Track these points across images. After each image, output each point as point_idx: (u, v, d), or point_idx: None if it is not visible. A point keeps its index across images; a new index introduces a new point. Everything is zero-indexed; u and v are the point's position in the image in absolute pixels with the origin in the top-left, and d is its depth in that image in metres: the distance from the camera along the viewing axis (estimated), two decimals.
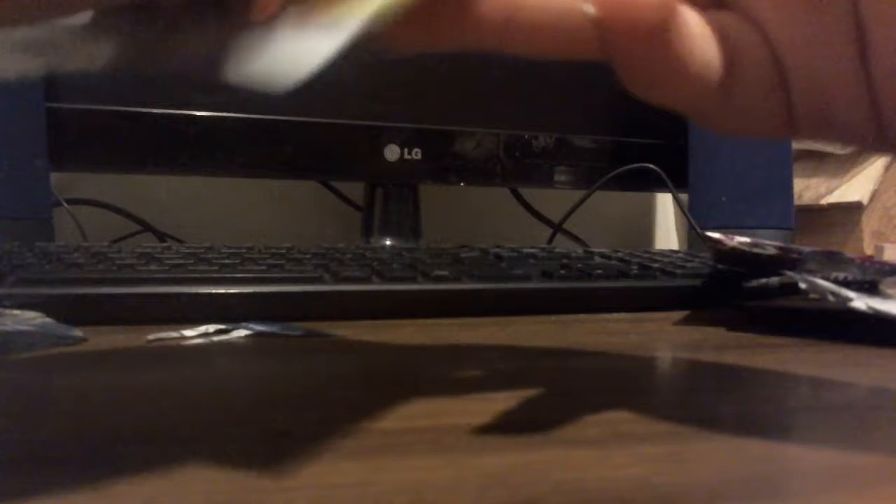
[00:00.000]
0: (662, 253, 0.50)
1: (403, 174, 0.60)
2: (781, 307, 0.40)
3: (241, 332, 0.29)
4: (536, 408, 0.20)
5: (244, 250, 0.41)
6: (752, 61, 0.17)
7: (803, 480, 0.15)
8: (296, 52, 0.15)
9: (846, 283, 0.32)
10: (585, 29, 0.17)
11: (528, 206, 0.73)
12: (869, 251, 0.68)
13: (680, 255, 0.49)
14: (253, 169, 0.57)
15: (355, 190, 0.67)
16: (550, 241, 0.69)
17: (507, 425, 0.18)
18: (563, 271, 0.39)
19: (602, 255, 0.47)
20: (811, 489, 0.15)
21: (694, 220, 0.60)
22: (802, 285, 0.32)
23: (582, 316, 0.36)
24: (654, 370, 0.26)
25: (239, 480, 0.14)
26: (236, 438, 0.17)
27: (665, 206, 0.88)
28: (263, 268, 0.35)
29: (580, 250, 0.49)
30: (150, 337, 0.28)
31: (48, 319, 0.27)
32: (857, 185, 0.69)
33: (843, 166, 0.72)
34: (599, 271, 0.39)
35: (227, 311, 0.31)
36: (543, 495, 0.14)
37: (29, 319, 0.27)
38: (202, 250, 0.41)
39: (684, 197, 0.63)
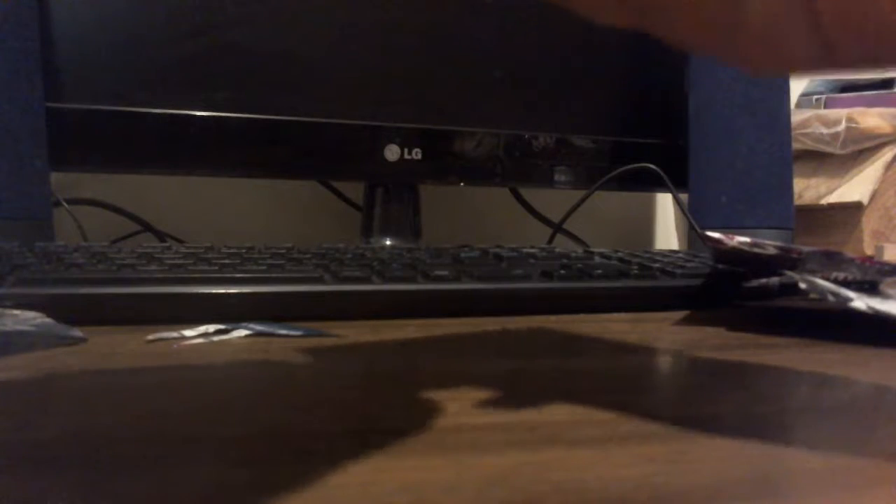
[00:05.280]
0: (662, 253, 0.50)
1: (403, 174, 0.60)
2: (781, 307, 0.40)
3: (241, 332, 0.29)
4: (536, 408, 0.20)
5: (244, 250, 0.41)
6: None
7: (803, 480, 0.15)
8: None
9: (846, 283, 0.32)
10: None
11: (528, 206, 0.73)
12: (869, 251, 0.68)
13: (680, 255, 0.49)
14: (253, 169, 0.57)
15: (355, 190, 0.67)
16: (550, 241, 0.69)
17: (507, 425, 0.18)
18: (563, 271, 0.39)
19: (602, 255, 0.47)
20: (811, 489, 0.15)
21: (694, 220, 0.60)
22: (802, 285, 0.32)
23: (582, 316, 0.36)
24: (654, 370, 0.26)
25: (240, 480, 0.14)
26: (236, 438, 0.17)
27: (665, 206, 0.88)
28: (263, 268, 0.35)
29: (580, 250, 0.49)
30: (150, 337, 0.28)
31: (48, 319, 0.27)
32: (857, 185, 0.69)
33: (844, 166, 0.72)
34: (599, 271, 0.39)
35: (227, 311, 0.31)
36: (543, 495, 0.14)
37: (29, 319, 0.27)
38: (202, 250, 0.41)
39: (684, 197, 0.63)
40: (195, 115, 0.54)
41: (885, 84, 0.75)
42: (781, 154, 0.60)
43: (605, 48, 0.64)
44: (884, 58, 0.16)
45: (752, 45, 0.17)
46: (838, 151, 0.71)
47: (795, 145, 0.67)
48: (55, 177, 0.52)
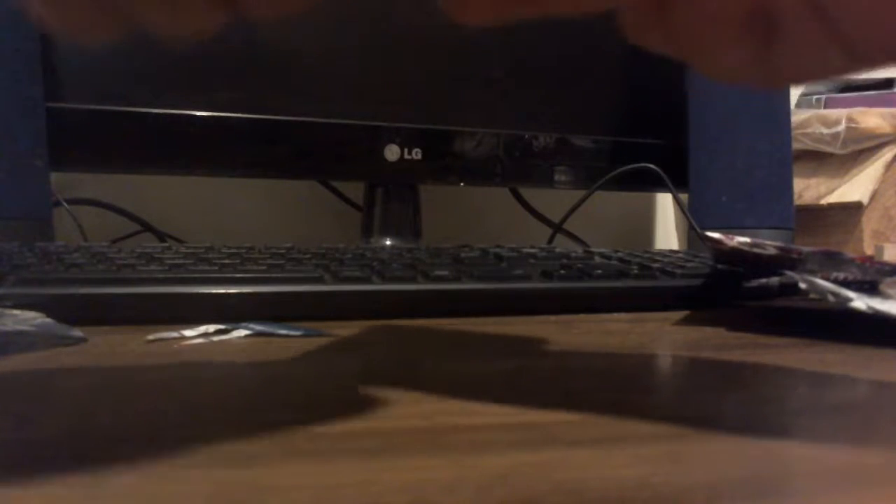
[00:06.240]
0: (662, 253, 0.50)
1: (403, 174, 0.60)
2: (781, 307, 0.40)
3: (241, 332, 0.29)
4: (536, 408, 0.20)
5: (244, 250, 0.41)
6: (795, 22, 0.17)
7: (803, 480, 0.15)
8: None
9: (846, 283, 0.32)
10: None
11: (528, 206, 0.73)
12: (869, 251, 0.68)
13: (680, 255, 0.49)
14: (253, 169, 0.57)
15: (355, 190, 0.67)
16: (550, 241, 0.69)
17: (507, 425, 0.18)
18: (563, 271, 0.39)
19: (602, 255, 0.47)
20: (811, 489, 0.15)
21: (694, 220, 0.60)
22: (802, 285, 0.32)
23: (582, 316, 0.36)
24: (654, 370, 0.26)
25: (239, 480, 0.14)
26: (236, 438, 0.17)
27: (665, 206, 0.88)
28: (263, 268, 0.35)
29: (580, 250, 0.49)
30: (150, 337, 0.28)
31: (48, 319, 0.27)
32: (857, 185, 0.69)
33: (844, 166, 0.72)
34: (599, 271, 0.39)
35: (227, 311, 0.31)
36: (543, 495, 0.14)
37: (29, 319, 0.27)
38: (202, 250, 0.41)
39: (684, 197, 0.63)
40: (195, 115, 0.54)
41: (886, 84, 0.75)
42: (781, 154, 0.60)
43: (605, 48, 0.64)
44: None
45: (779, 70, 0.18)
46: (838, 151, 0.71)
47: (795, 145, 0.67)
48: (55, 177, 0.52)
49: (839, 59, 0.17)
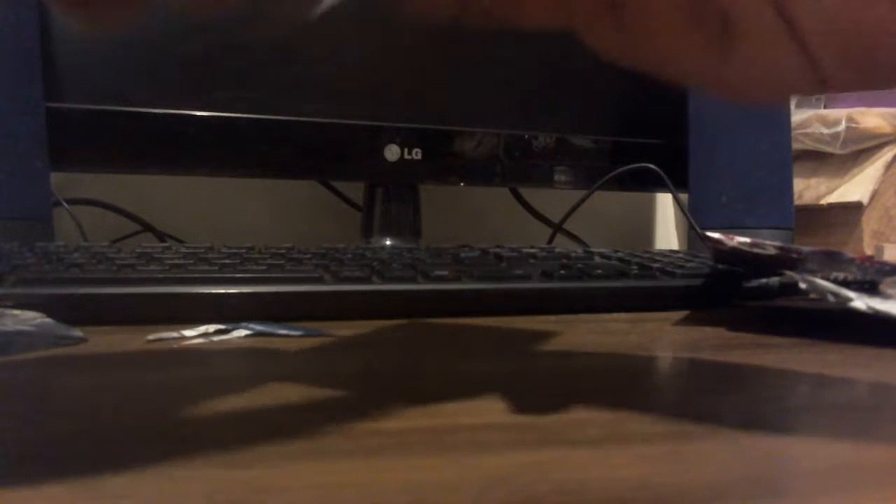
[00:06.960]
0: (662, 253, 0.50)
1: (403, 174, 0.60)
2: (781, 307, 0.40)
3: (241, 332, 0.29)
4: (536, 408, 0.20)
5: (244, 250, 0.41)
6: (754, 27, 0.16)
7: (803, 480, 0.15)
8: None
9: (846, 283, 0.32)
10: None
11: (528, 206, 0.73)
12: (869, 251, 0.68)
13: (680, 255, 0.49)
14: (253, 169, 0.57)
15: (355, 190, 0.67)
16: (550, 241, 0.69)
17: (507, 425, 0.18)
18: (563, 271, 0.39)
19: (602, 255, 0.47)
20: (811, 489, 0.15)
21: (694, 220, 0.60)
22: (802, 285, 0.32)
23: (582, 316, 0.36)
24: (654, 370, 0.26)
25: (239, 480, 0.14)
26: (236, 438, 0.17)
27: (665, 206, 0.88)
28: (263, 268, 0.35)
29: (580, 250, 0.49)
30: (150, 337, 0.28)
31: (48, 319, 0.27)
32: (857, 185, 0.69)
33: (844, 166, 0.72)
34: (599, 271, 0.39)
35: (227, 311, 0.31)
36: (543, 495, 0.14)
37: (29, 319, 0.27)
38: (202, 250, 0.41)
39: (684, 197, 0.63)
40: (195, 115, 0.54)
41: None
42: (781, 154, 0.60)
43: None
44: (879, 80, 0.17)
45: (741, 77, 0.18)
46: (838, 151, 0.71)
47: (795, 145, 0.67)
48: (55, 177, 0.52)
49: (804, 69, 0.17)
